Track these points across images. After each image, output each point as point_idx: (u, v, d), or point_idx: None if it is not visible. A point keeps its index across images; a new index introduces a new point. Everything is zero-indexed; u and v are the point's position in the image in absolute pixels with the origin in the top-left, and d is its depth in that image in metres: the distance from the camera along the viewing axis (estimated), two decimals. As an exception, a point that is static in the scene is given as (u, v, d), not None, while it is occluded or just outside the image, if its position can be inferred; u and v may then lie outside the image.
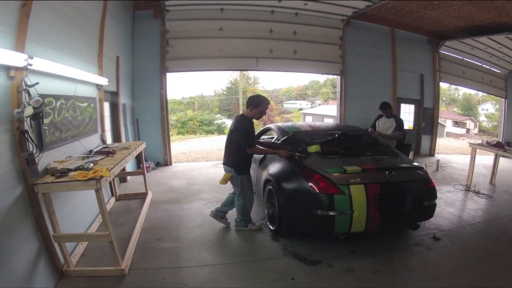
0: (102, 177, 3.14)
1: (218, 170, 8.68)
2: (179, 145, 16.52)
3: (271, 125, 5.99)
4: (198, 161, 11.44)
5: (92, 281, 3.27)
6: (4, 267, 2.54)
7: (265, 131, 6.48)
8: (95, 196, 3.16)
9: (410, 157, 6.41)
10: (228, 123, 32.33)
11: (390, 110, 6.51)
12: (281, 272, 3.50)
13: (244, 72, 33.18)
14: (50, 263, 3.18)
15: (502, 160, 7.94)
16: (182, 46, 9.05)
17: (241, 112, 4.76)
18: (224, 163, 4.59)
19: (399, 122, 6.39)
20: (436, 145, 12.24)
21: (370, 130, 6.44)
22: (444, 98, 41.34)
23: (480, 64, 12.86)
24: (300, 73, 10.83)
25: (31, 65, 2.95)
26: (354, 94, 10.49)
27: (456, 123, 36.84)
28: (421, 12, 9.60)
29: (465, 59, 12.43)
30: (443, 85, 15.00)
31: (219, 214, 4.75)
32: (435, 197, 4.19)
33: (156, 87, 9.01)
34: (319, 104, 42.41)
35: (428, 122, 11.80)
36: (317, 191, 3.71)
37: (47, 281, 3.09)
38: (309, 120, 31.48)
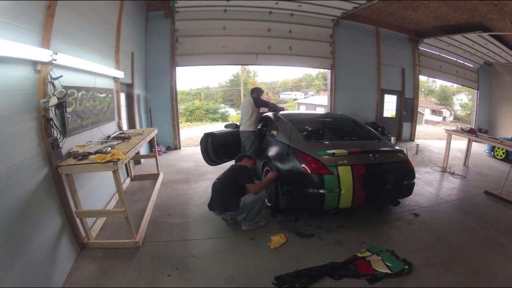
0: (118, 159, 3.12)
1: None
2: (187, 131, 16.36)
3: (269, 113, 5.88)
4: (205, 145, 11.32)
5: (110, 252, 3.27)
6: (32, 238, 2.53)
7: (263, 119, 6.36)
8: (112, 177, 3.16)
9: (392, 141, 6.36)
10: (231, 112, 32.07)
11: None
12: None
13: (245, 66, 32.75)
14: (72, 236, 3.19)
15: (474, 145, 7.97)
16: (190, 43, 8.94)
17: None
18: None
19: None
20: (416, 131, 12.24)
21: None
22: (423, 89, 40.88)
23: (455, 59, 12.83)
24: (295, 67, 10.78)
25: (55, 60, 2.95)
26: (342, 86, 10.45)
27: (434, 112, 36.54)
28: (403, 13, 9.54)
29: (441, 54, 12.37)
30: (422, 78, 14.93)
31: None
32: (413, 176, 4.18)
33: (167, 79, 8.95)
34: (312, 95, 41.91)
35: (408, 110, 11.78)
36: (309, 171, 3.68)
37: (70, 252, 3.10)
38: (302, 109, 31.41)
